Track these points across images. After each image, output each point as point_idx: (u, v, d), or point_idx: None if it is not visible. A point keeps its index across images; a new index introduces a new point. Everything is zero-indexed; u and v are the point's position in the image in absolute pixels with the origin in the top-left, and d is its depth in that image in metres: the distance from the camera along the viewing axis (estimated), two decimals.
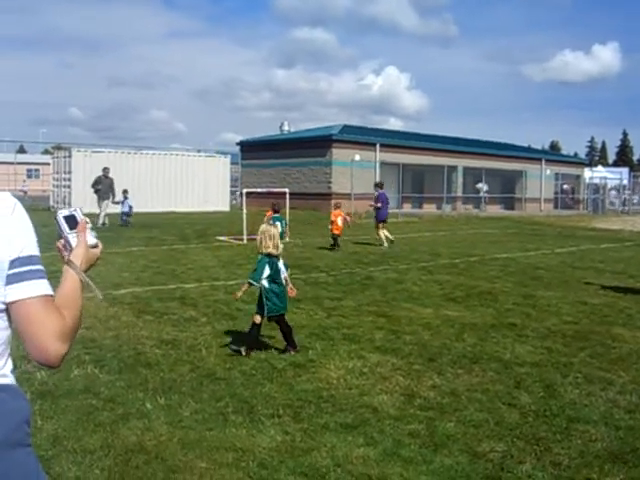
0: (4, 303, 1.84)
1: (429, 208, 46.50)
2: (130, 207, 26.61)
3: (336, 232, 19.63)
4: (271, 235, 7.84)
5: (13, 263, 1.85)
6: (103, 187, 25.96)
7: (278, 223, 18.99)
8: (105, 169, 26.53)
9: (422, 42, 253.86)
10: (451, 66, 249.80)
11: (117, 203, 26.47)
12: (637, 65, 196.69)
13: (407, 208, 44.35)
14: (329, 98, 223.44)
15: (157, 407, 5.71)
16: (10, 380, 1.89)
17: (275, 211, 18.71)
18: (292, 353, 7.53)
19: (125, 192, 26.59)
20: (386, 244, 20.22)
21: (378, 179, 42.13)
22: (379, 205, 20.93)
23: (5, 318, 1.87)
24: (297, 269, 14.52)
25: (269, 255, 7.81)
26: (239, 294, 7.94)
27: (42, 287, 1.88)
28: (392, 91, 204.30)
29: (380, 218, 20.89)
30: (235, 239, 20.21)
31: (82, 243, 2.13)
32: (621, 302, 11.24)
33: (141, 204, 34.95)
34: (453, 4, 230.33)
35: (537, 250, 20.36)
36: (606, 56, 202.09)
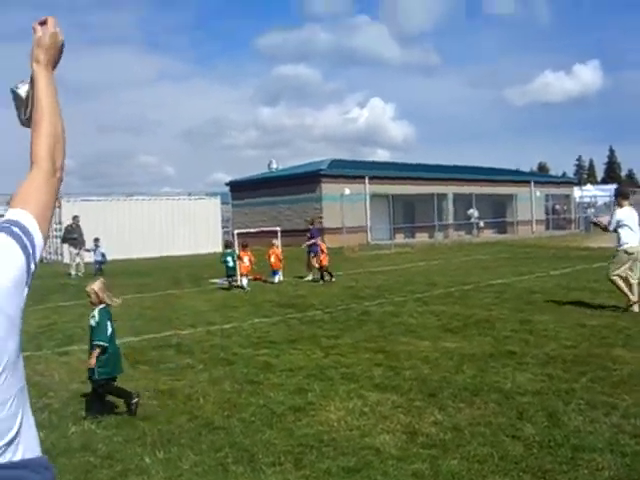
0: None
1: (421, 237, 46.51)
2: (103, 255, 26.45)
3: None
4: (104, 287, 7.26)
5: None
6: (78, 235, 25.98)
7: (230, 258, 19.45)
8: (75, 217, 26.53)
9: (405, 72, 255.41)
10: (435, 94, 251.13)
11: (88, 251, 26.41)
12: (619, 81, 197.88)
13: (399, 238, 44.36)
14: (315, 133, 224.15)
15: (156, 461, 5.61)
16: (31, 453, 1.76)
17: (226, 246, 20.36)
18: (135, 400, 7.02)
19: (97, 240, 26.49)
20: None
21: (369, 211, 42.32)
22: (313, 241, 21.57)
23: (15, 372, 1.73)
24: (292, 308, 14.48)
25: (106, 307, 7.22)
26: (92, 361, 7.03)
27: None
28: (378, 122, 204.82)
29: (315, 251, 21.29)
30: (234, 280, 20.13)
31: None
32: (619, 322, 11.18)
33: (133, 250, 34.97)
34: (433, 33, 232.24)
35: (531, 274, 20.32)
36: (587, 75, 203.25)
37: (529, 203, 54.38)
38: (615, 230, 12.69)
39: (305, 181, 41.71)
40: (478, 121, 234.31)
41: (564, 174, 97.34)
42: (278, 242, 21.54)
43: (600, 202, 58.43)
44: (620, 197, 13.10)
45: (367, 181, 42.70)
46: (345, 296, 16.48)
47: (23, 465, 1.71)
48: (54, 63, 2.16)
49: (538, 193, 55.42)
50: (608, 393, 7.09)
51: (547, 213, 56.43)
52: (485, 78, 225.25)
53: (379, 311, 13.68)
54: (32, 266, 1.82)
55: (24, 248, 1.80)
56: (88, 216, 29.53)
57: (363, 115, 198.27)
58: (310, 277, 21.13)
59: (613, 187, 62.80)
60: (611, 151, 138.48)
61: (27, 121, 2.15)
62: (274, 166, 51.33)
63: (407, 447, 5.75)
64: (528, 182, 55.82)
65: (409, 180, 45.22)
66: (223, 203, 45.09)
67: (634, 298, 12.37)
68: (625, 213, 12.67)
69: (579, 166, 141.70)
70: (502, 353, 9.19)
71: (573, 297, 14.53)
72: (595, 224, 14.95)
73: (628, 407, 6.58)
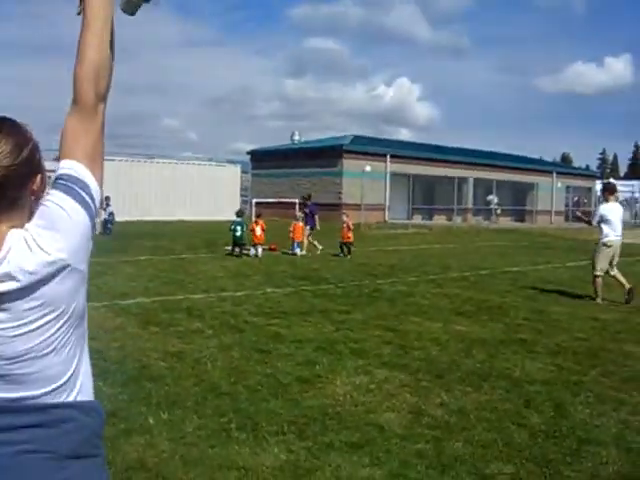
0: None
1: (439, 220, 46.42)
2: (111, 213, 26.48)
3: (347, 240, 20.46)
4: None
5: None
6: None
7: (238, 227, 19.58)
8: None
9: (434, 53, 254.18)
10: (463, 77, 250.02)
11: (103, 209, 26.41)
12: None
13: (417, 219, 44.27)
14: (340, 108, 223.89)
15: (160, 422, 5.61)
16: (83, 397, 1.91)
17: (237, 215, 20.62)
18: None
19: (107, 199, 26.44)
20: (307, 252, 21.14)
21: (388, 190, 42.18)
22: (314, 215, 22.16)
23: (81, 322, 1.89)
24: (306, 280, 14.47)
25: None
26: None
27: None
28: (403, 102, 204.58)
29: (312, 225, 21.86)
30: (247, 249, 20.14)
31: None
32: (634, 318, 11.10)
33: (151, 212, 35.06)
34: (465, 15, 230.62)
35: (548, 264, 20.22)
36: (618, 68, 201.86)
37: (550, 193, 54.04)
38: (598, 224, 13.08)
39: (327, 155, 41.60)
40: (504, 107, 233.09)
41: (587, 167, 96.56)
42: (300, 214, 21.56)
43: (621, 197, 57.95)
44: (607, 192, 13.56)
45: (388, 159, 42.56)
46: (358, 272, 16.46)
47: (75, 406, 1.88)
48: None
49: (559, 184, 55.10)
50: (617, 388, 7.02)
51: (567, 205, 56.09)
52: (514, 64, 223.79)
53: (391, 290, 13.64)
54: (94, 219, 1.89)
55: (83, 203, 1.85)
56: (108, 175, 29.53)
57: (389, 93, 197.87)
58: (306, 252, 21.25)
59: (636, 182, 62.60)
60: (636, 147, 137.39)
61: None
62: (297, 138, 51.25)
63: (411, 426, 5.72)
64: (550, 172, 55.50)
65: (430, 161, 45.04)
66: (243, 172, 45.10)
67: (599, 300, 12.81)
68: (609, 208, 13.09)
69: (603, 160, 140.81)
70: (513, 340, 9.14)
71: (588, 290, 14.40)
72: (579, 218, 15.41)
73: (637, 404, 6.51)
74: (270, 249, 20.97)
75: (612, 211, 13.07)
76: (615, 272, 13.09)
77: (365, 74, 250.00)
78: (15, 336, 1.76)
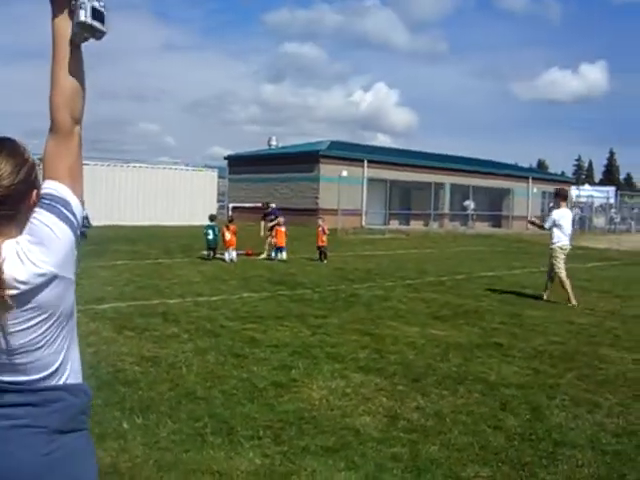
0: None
1: (416, 225, 46.48)
2: (86, 218, 26.21)
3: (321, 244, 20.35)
4: None
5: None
6: None
7: (210, 230, 19.60)
8: None
9: (412, 58, 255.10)
10: (440, 83, 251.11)
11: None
12: (624, 84, 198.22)
13: (394, 224, 44.30)
14: (317, 113, 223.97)
15: (134, 427, 5.56)
16: (71, 380, 2.15)
17: (210, 219, 20.71)
18: None
19: (82, 203, 26.12)
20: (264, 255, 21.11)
21: (365, 195, 42.24)
22: (278, 221, 21.76)
23: (67, 317, 2.12)
24: (282, 285, 14.44)
25: None
26: None
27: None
28: (381, 107, 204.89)
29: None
30: (220, 254, 20.06)
31: None
32: (608, 322, 11.17)
33: (127, 217, 34.86)
34: (444, 20, 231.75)
35: (524, 268, 20.31)
36: (594, 75, 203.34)
37: (526, 198, 54.34)
38: (550, 228, 13.60)
39: (304, 160, 41.58)
40: (481, 113, 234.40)
41: (562, 173, 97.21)
42: (282, 220, 21.45)
43: (597, 203, 58.41)
44: (559, 198, 14.09)
45: (365, 165, 42.59)
46: (335, 277, 16.43)
47: (64, 388, 2.13)
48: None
49: (535, 189, 55.41)
50: (593, 391, 7.06)
51: (542, 210, 56.40)
52: (491, 70, 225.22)
53: (368, 294, 13.63)
54: (77, 232, 2.11)
55: (66, 220, 2.07)
56: (84, 180, 29.27)
57: (366, 99, 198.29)
58: (265, 255, 21.15)
59: (611, 189, 63.17)
60: (611, 153, 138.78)
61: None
62: (274, 143, 51.19)
63: (387, 430, 5.71)
64: (526, 178, 55.79)
65: (408, 167, 45.13)
66: (220, 177, 44.96)
67: (574, 301, 13.12)
68: (562, 213, 13.59)
69: (578, 166, 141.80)
70: (489, 344, 9.15)
71: (564, 294, 14.50)
72: (532, 223, 15.76)
73: (612, 406, 6.55)
74: (246, 254, 20.91)
75: (564, 217, 13.59)
76: (563, 276, 13.52)
77: (343, 79, 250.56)
78: (13, 332, 2.00)
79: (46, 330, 2.06)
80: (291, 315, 10.84)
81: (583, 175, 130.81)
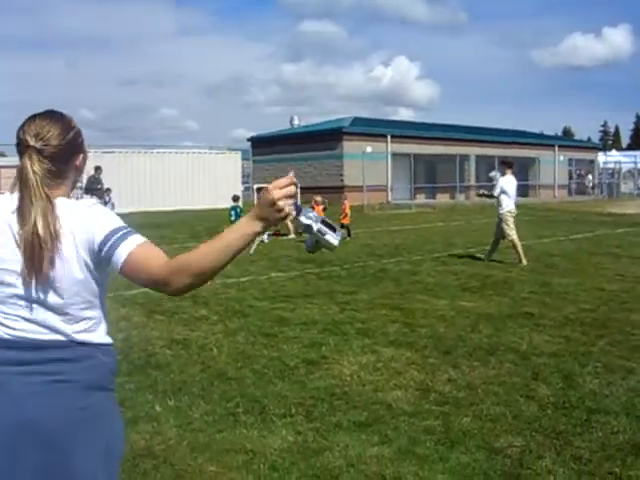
0: (118, 271, 2.27)
1: (442, 198, 46.27)
2: (112, 205, 26.31)
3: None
4: None
5: (104, 241, 2.24)
6: (101, 185, 25.70)
7: (233, 212, 19.57)
8: (98, 168, 25.82)
9: (431, 30, 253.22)
10: (461, 54, 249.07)
11: (106, 203, 26.19)
12: None
13: (420, 199, 44.13)
14: (338, 91, 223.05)
15: (166, 409, 5.60)
16: (102, 339, 2.39)
17: (233, 200, 20.45)
18: None
19: (108, 191, 26.27)
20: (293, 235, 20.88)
21: (390, 170, 42.07)
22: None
23: (103, 289, 2.41)
24: (310, 263, 14.43)
25: None
26: None
27: (135, 240, 2.26)
28: (402, 81, 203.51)
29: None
30: None
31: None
32: (639, 287, 11.05)
33: (152, 203, 35.01)
34: None
35: (552, 237, 20.16)
36: (617, 39, 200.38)
37: (552, 167, 53.81)
38: (499, 195, 14.44)
39: (327, 138, 41.44)
40: (504, 82, 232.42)
41: (589, 139, 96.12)
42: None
43: (625, 168, 57.74)
44: (505, 166, 15.01)
45: (389, 140, 42.38)
46: (363, 253, 16.42)
47: (97, 346, 2.36)
48: (262, 220, 2.14)
49: (562, 157, 54.82)
50: (626, 357, 7.00)
51: (570, 177, 55.88)
52: (512, 38, 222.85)
53: (396, 269, 13.60)
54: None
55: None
56: (110, 167, 29.44)
57: (387, 74, 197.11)
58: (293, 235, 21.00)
59: (639, 153, 62.32)
60: (637, 117, 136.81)
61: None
62: (296, 122, 51.08)
63: (419, 403, 5.70)
64: (552, 146, 55.18)
65: (431, 140, 44.82)
66: (244, 159, 44.97)
67: (524, 261, 14.09)
68: (508, 180, 14.54)
69: (604, 132, 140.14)
70: (519, 314, 9.10)
71: (594, 261, 14.40)
72: (481, 195, 17.00)
73: None
74: (274, 235, 20.93)
75: (510, 183, 14.50)
76: (515, 239, 14.38)
77: (362, 55, 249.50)
78: (60, 288, 2.28)
79: (86, 288, 2.31)
80: (320, 293, 10.85)
81: (610, 141, 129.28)
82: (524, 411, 5.48)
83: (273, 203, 2.06)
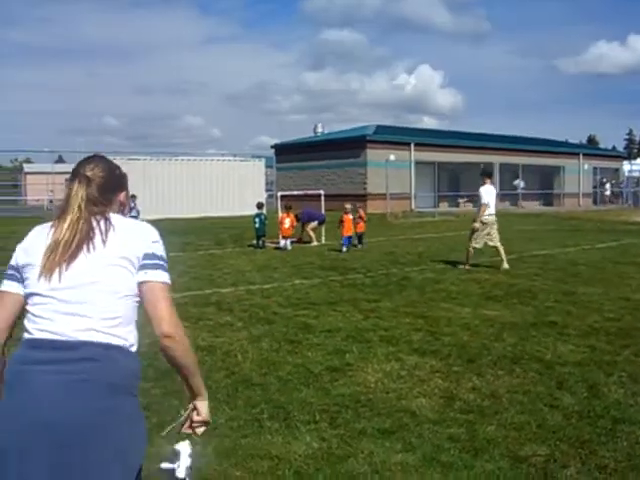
0: (137, 282, 2.53)
1: (466, 206, 46.12)
2: (138, 211, 26.39)
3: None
4: None
5: (145, 256, 2.55)
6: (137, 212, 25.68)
7: (257, 219, 19.63)
8: (134, 196, 25.84)
9: (455, 39, 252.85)
10: (484, 62, 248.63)
11: (131, 209, 26.13)
12: None
13: (443, 207, 44.05)
14: (362, 98, 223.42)
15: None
16: (128, 344, 2.51)
17: (257, 207, 20.65)
18: None
19: (133, 197, 26.34)
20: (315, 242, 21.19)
21: (413, 178, 42.03)
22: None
23: (134, 297, 2.56)
24: (333, 271, 14.47)
25: None
26: None
27: (163, 276, 2.59)
28: (425, 90, 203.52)
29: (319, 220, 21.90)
30: (271, 242, 20.17)
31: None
32: None
33: (177, 210, 35.23)
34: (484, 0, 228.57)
35: (576, 246, 20.04)
36: None
37: (577, 175, 53.53)
38: (487, 203, 15.05)
39: (350, 146, 41.51)
40: (528, 91, 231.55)
41: (614, 147, 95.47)
42: (349, 206, 20.43)
43: None
44: (484, 176, 15.85)
45: (412, 148, 42.38)
46: (386, 261, 16.43)
47: (123, 351, 2.48)
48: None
49: (586, 166, 54.53)
50: None
51: (595, 186, 55.52)
52: (536, 47, 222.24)
53: (420, 277, 13.60)
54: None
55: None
56: (133, 175, 29.66)
57: (410, 82, 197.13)
58: (315, 242, 21.16)
59: None
60: None
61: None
62: (320, 130, 51.18)
63: (443, 411, 5.71)
64: (576, 154, 54.94)
65: (455, 148, 44.78)
66: (267, 166, 45.12)
67: (467, 267, 14.82)
68: (488, 190, 15.23)
69: (630, 140, 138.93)
70: (544, 323, 9.07)
71: (619, 271, 14.30)
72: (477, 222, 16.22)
73: None
74: (297, 241, 20.98)
75: (490, 193, 15.22)
76: (498, 244, 15.09)
77: (385, 64, 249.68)
78: (97, 290, 2.51)
79: (114, 293, 2.49)
80: (343, 300, 10.88)
81: (635, 149, 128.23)
82: (548, 420, 5.48)
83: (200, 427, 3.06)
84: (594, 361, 7.18)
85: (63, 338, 2.39)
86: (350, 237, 19.32)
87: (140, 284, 2.53)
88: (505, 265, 14.66)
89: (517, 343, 8.00)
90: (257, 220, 20.05)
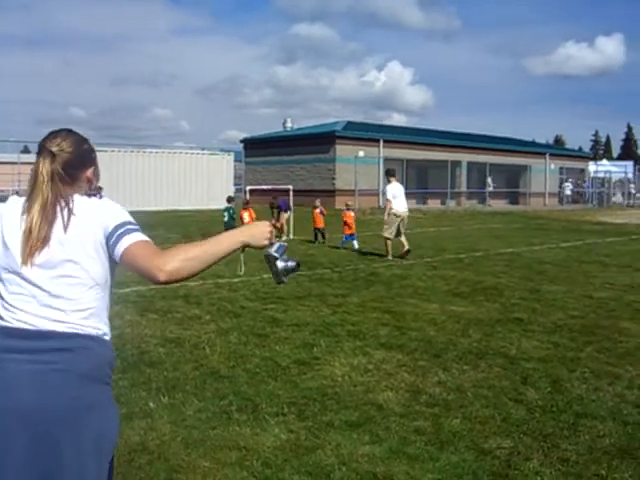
0: (118, 257, 2.42)
1: (434, 204, 46.41)
2: None
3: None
4: None
5: (111, 233, 2.43)
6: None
7: (226, 213, 19.68)
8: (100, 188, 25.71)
9: (425, 36, 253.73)
10: (454, 60, 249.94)
11: None
12: None
13: (411, 204, 44.05)
14: (331, 94, 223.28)
15: (160, 406, 5.66)
16: (101, 333, 2.49)
17: (227, 201, 21.04)
18: None
19: (100, 189, 26.17)
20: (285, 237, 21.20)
21: (382, 175, 42.13)
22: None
23: (104, 286, 2.54)
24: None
25: None
26: None
27: (136, 236, 2.44)
28: (395, 86, 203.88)
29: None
30: None
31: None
32: (628, 296, 11.17)
33: (144, 203, 34.97)
34: None
35: (542, 244, 20.27)
36: (610, 48, 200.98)
37: (543, 175, 54.05)
38: (393, 198, 16.49)
39: (320, 141, 41.53)
40: (496, 89, 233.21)
41: (580, 148, 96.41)
42: (351, 203, 21.04)
43: (615, 178, 58.02)
44: (389, 175, 17.23)
45: (381, 144, 42.51)
46: (354, 257, 16.52)
47: (95, 339, 2.46)
48: (248, 239, 2.54)
49: (552, 166, 55.07)
50: (613, 363, 7.10)
51: (560, 187, 56.05)
52: (506, 46, 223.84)
53: (387, 273, 13.69)
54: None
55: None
56: (101, 166, 29.32)
57: (380, 78, 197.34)
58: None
59: (629, 163, 62.64)
60: (629, 128, 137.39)
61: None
62: (289, 125, 51.14)
63: (410, 405, 5.78)
64: (543, 154, 55.44)
65: (424, 146, 44.99)
66: (236, 160, 44.99)
67: (390, 257, 16.01)
68: (395, 186, 16.75)
69: (596, 141, 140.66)
70: (509, 319, 9.20)
71: (583, 269, 14.51)
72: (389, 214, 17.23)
73: (632, 378, 6.59)
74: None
75: (396, 188, 16.71)
76: (402, 238, 16.40)
77: (356, 59, 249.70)
78: (61, 277, 2.44)
79: (87, 279, 2.46)
80: (311, 295, 10.93)
81: (601, 150, 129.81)
82: (513, 414, 5.57)
83: (267, 234, 2.57)
84: (558, 357, 7.31)
85: (36, 328, 2.38)
86: (352, 235, 18.93)
87: (120, 257, 2.42)
88: (389, 256, 16.01)
89: (482, 339, 8.11)
90: (226, 214, 20.09)
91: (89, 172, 2.68)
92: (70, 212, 2.45)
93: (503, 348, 7.68)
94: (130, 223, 2.48)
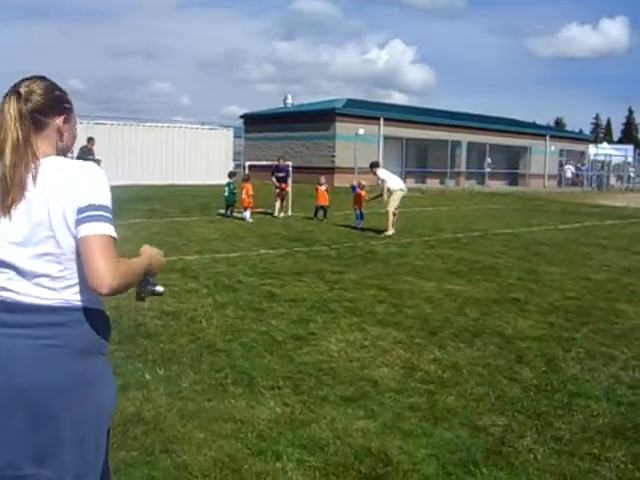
0: (75, 238, 2.29)
1: (432, 183, 46.35)
2: None
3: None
4: None
5: (85, 209, 2.27)
6: (92, 157, 25.19)
7: (227, 188, 19.62)
8: (91, 139, 25.06)
9: (429, 15, 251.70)
10: (458, 39, 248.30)
11: None
12: None
13: (410, 183, 44.06)
14: (333, 71, 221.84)
15: (156, 378, 5.68)
16: (92, 303, 2.39)
17: (228, 176, 20.99)
18: None
19: (98, 161, 26.00)
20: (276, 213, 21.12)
21: (381, 153, 42.10)
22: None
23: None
24: (299, 242, 14.52)
25: None
26: None
27: (103, 227, 2.29)
28: (397, 65, 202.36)
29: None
30: (238, 212, 20.12)
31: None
32: (625, 278, 11.20)
33: (143, 176, 34.88)
34: None
35: (541, 226, 20.29)
36: (614, 31, 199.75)
37: (543, 156, 53.95)
38: (388, 179, 17.70)
39: (320, 118, 41.41)
40: (498, 70, 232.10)
41: (580, 131, 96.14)
42: (364, 183, 20.40)
43: (615, 161, 57.90)
44: (374, 167, 18.47)
45: (382, 122, 42.38)
46: (352, 234, 16.55)
47: (89, 311, 2.38)
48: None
49: (553, 147, 54.96)
50: (608, 345, 7.12)
51: (560, 168, 55.95)
52: (509, 26, 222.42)
53: (385, 251, 13.71)
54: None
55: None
56: (101, 139, 29.31)
57: (382, 56, 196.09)
58: (277, 214, 20.84)
59: (629, 147, 62.54)
60: (630, 112, 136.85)
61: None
62: (289, 101, 50.96)
63: (405, 381, 5.80)
64: (544, 136, 55.30)
65: (424, 125, 44.83)
66: (236, 136, 44.82)
67: (391, 232, 16.70)
68: (384, 171, 18.31)
69: (596, 124, 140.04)
70: (506, 299, 9.22)
71: (581, 251, 14.54)
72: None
73: (627, 359, 6.62)
74: (260, 212, 20.86)
75: (386, 172, 18.25)
76: (390, 210, 17.04)
77: (358, 36, 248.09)
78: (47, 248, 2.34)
79: (69, 246, 2.33)
80: (308, 271, 10.93)
81: (601, 133, 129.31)
82: (507, 392, 5.60)
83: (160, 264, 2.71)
84: (553, 337, 7.34)
85: (27, 300, 2.31)
86: (361, 212, 18.91)
87: (79, 240, 2.28)
88: (389, 232, 16.57)
89: (479, 317, 8.13)
90: (227, 189, 20.01)
91: (59, 120, 2.46)
92: (39, 176, 2.31)
93: (499, 327, 7.70)
94: (105, 208, 2.32)
